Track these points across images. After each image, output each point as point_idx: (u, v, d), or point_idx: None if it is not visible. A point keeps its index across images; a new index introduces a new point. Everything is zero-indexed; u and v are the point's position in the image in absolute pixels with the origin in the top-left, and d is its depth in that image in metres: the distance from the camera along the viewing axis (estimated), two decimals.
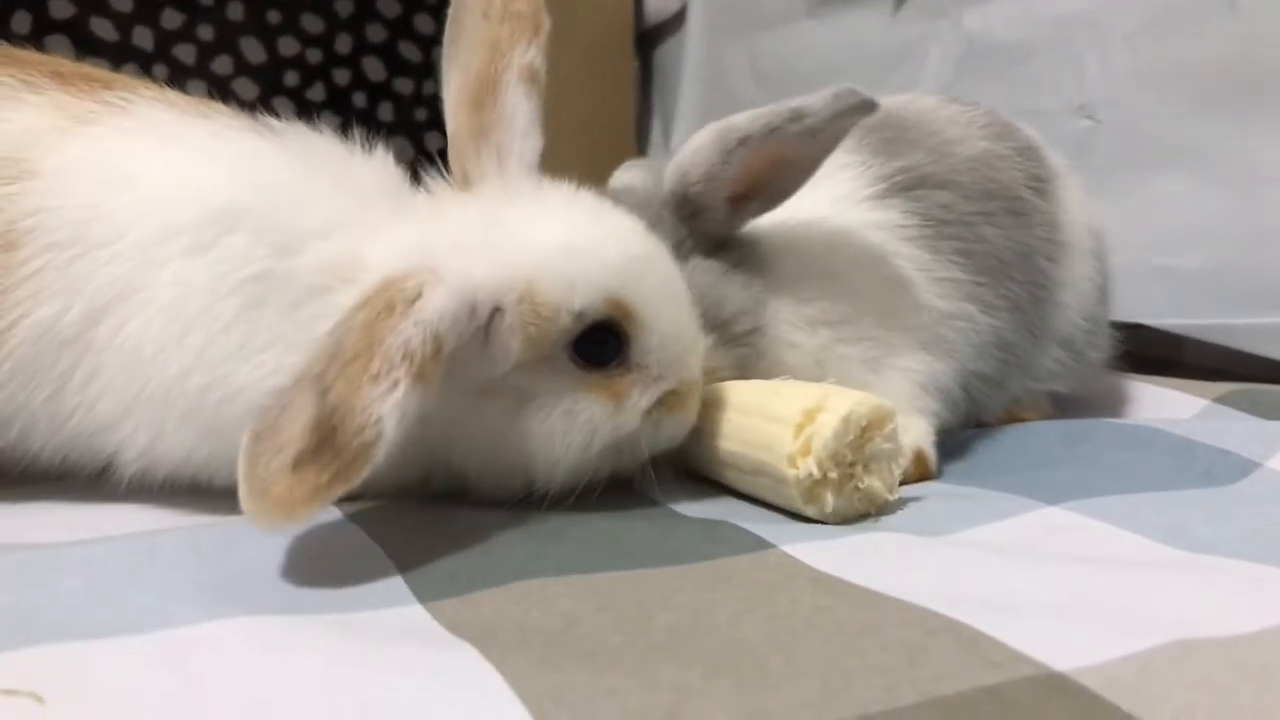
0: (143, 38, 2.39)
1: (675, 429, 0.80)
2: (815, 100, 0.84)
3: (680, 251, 0.87)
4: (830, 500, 0.74)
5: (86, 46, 2.31)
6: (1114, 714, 0.45)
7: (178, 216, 0.73)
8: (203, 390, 0.72)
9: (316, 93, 2.52)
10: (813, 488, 0.75)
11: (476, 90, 0.82)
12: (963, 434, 0.98)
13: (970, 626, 0.53)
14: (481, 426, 0.75)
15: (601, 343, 0.76)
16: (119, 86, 0.80)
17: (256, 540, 0.68)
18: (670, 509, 0.78)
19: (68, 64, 0.84)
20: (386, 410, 0.62)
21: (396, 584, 0.61)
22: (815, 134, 0.85)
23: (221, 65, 2.45)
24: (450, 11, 0.85)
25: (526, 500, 0.77)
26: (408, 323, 0.65)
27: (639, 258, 0.77)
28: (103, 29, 2.35)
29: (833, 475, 0.74)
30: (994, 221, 0.99)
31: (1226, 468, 0.85)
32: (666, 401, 0.78)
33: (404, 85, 2.60)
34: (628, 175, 1.02)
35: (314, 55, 2.54)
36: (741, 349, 0.88)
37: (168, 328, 0.71)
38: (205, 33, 2.44)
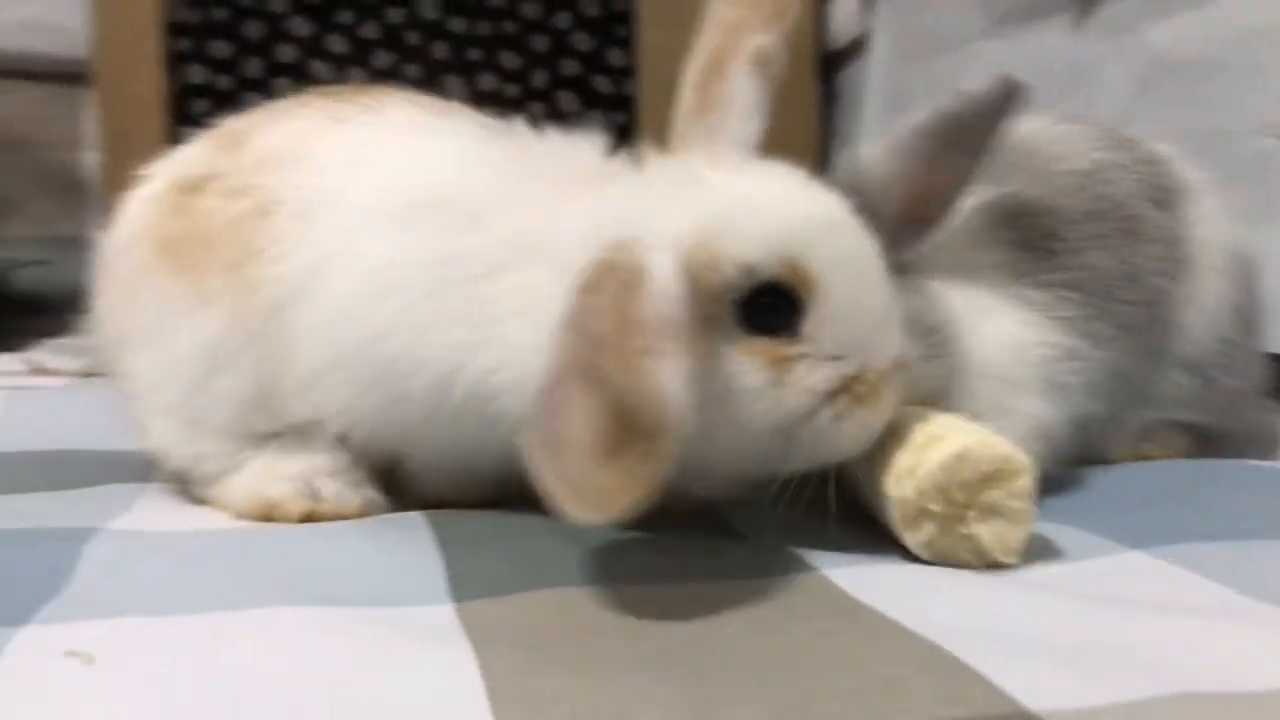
0: (356, 77, 2.58)
1: (859, 428, 0.71)
2: (971, 87, 0.83)
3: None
4: (928, 534, 0.70)
5: (307, 87, 2.52)
6: None
7: (390, 193, 0.79)
8: (392, 358, 0.76)
9: None
10: (915, 516, 0.70)
11: (706, 70, 0.80)
12: (1082, 471, 0.95)
13: (963, 663, 0.52)
14: None
15: (773, 307, 0.70)
16: (376, 95, 0.88)
17: (339, 538, 0.74)
18: (735, 528, 0.79)
19: (344, 87, 0.94)
20: (672, 381, 0.61)
21: (439, 583, 0.65)
22: (981, 117, 0.83)
23: None
24: None
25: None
26: (652, 295, 0.64)
27: (825, 221, 0.72)
28: (322, 71, 2.55)
29: (934, 508, 0.70)
30: (1102, 244, 0.95)
31: None
32: (851, 390, 0.71)
33: (596, 118, 2.70)
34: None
35: (511, 90, 2.67)
36: (944, 360, 0.84)
37: (367, 292, 0.77)
38: (412, 71, 2.60)
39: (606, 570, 0.68)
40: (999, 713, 0.47)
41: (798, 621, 0.59)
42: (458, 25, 2.63)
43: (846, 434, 0.71)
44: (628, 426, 0.59)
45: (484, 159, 0.81)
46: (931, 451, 0.70)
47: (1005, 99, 0.83)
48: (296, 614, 0.59)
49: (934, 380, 0.82)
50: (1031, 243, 0.93)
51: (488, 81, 2.65)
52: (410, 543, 0.74)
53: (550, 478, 0.59)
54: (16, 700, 0.48)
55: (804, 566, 0.69)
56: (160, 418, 0.84)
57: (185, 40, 2.42)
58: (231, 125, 0.90)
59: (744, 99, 0.79)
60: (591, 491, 0.58)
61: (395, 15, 2.59)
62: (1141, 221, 0.97)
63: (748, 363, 0.69)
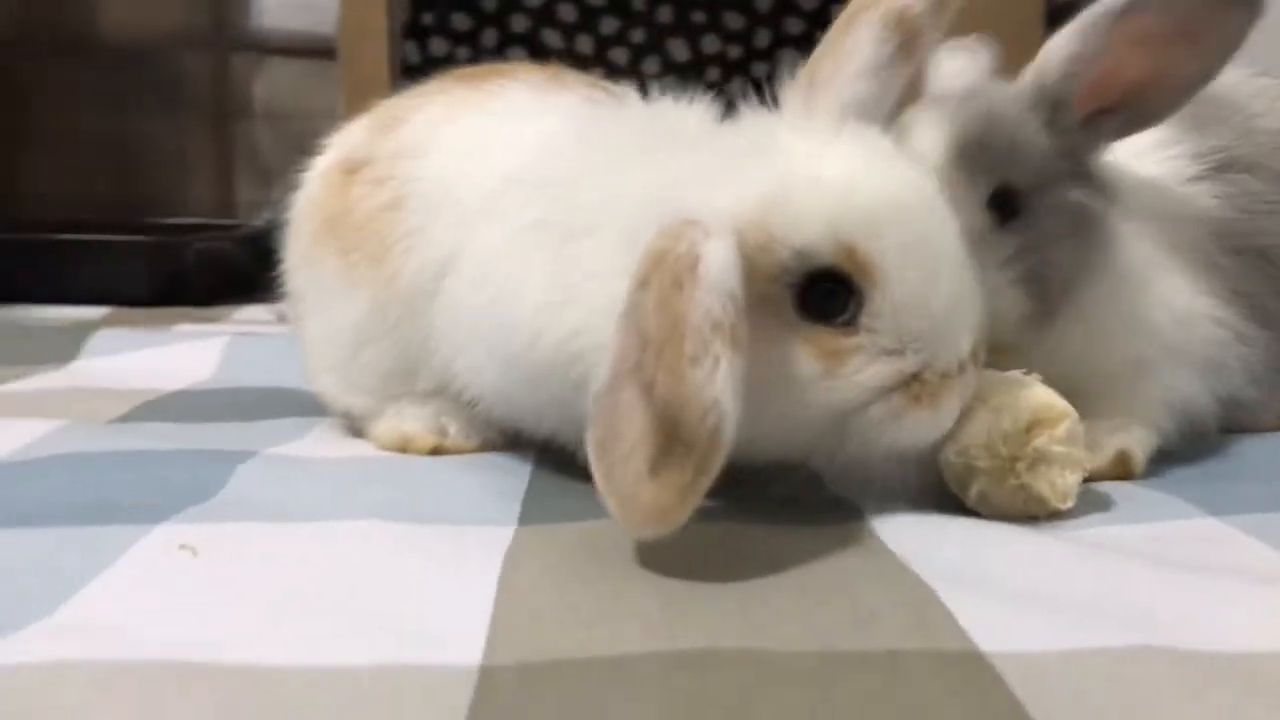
0: (584, 44, 2.69)
1: (920, 428, 0.69)
2: None
3: (1040, 172, 0.80)
4: (980, 489, 0.71)
5: (539, 54, 2.65)
6: (1001, 698, 0.46)
7: (491, 181, 0.83)
8: (497, 326, 0.78)
9: (736, 88, 2.69)
10: (963, 475, 0.71)
11: (842, 20, 0.75)
12: (1223, 440, 0.91)
13: (942, 603, 0.55)
14: None
15: (831, 293, 0.67)
16: (501, 77, 0.92)
17: (448, 469, 0.83)
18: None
19: (489, 67, 0.99)
20: (719, 390, 0.59)
21: (514, 510, 0.73)
22: (1185, 17, 0.77)
23: (650, 65, 2.69)
24: None
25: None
26: (701, 292, 0.60)
27: (892, 204, 0.67)
28: (551, 39, 2.68)
29: (980, 464, 0.70)
30: None
31: None
32: (912, 389, 0.68)
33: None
34: (955, 64, 0.94)
35: (734, 51, 2.71)
36: (1046, 317, 0.80)
37: (477, 279, 0.81)
38: (637, 36, 2.69)
39: None
40: (949, 649, 0.50)
41: (809, 558, 0.63)
42: None
43: (903, 431, 0.68)
44: (674, 438, 0.58)
45: (581, 133, 0.83)
46: (970, 412, 0.71)
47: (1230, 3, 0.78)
48: (380, 526, 0.68)
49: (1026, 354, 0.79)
50: (1234, 200, 0.90)
51: (711, 44, 2.70)
52: (508, 476, 0.82)
53: (602, 486, 0.59)
54: (128, 578, 0.60)
55: (851, 517, 0.71)
56: (323, 373, 0.96)
57: (429, 14, 2.61)
58: (389, 107, 0.96)
59: (863, 58, 0.73)
60: (640, 505, 0.58)
61: None
62: None
63: (801, 351, 0.66)
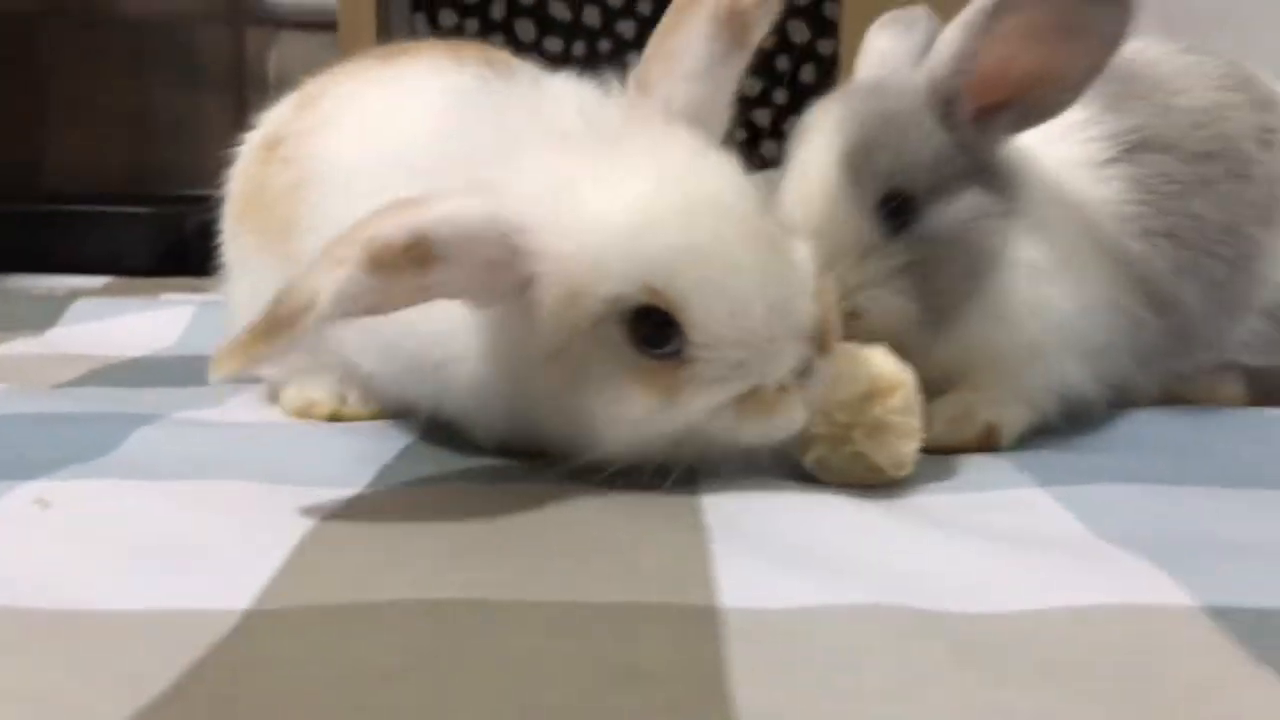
0: (591, 15, 2.71)
1: (760, 433, 0.71)
2: None
3: (936, 170, 0.82)
4: (818, 454, 0.73)
5: (546, 26, 2.68)
6: (709, 652, 0.48)
7: (378, 160, 0.83)
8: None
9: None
10: (804, 439, 0.73)
11: (665, 23, 0.76)
12: (1107, 415, 0.92)
13: (711, 561, 0.59)
14: (547, 391, 0.72)
15: (661, 326, 0.68)
16: (412, 54, 0.94)
17: (327, 434, 0.89)
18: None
19: (402, 46, 0.99)
20: (323, 285, 0.63)
21: (369, 473, 0.77)
22: (1061, 12, 0.78)
23: None
24: None
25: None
26: (386, 219, 0.65)
27: (691, 248, 0.67)
28: (559, 10, 2.70)
29: (819, 430, 0.72)
30: (1210, 189, 0.93)
31: None
32: (748, 404, 0.69)
33: (827, 47, 2.69)
34: (888, 40, 0.97)
35: None
36: (941, 320, 0.83)
37: None
38: (645, 8, 2.70)
39: (487, 474, 0.77)
40: (689, 603, 0.53)
41: (613, 520, 0.66)
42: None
43: (749, 437, 0.70)
44: (272, 310, 0.64)
45: (461, 118, 0.83)
46: None
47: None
48: (233, 486, 0.73)
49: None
50: (1146, 182, 0.91)
51: None
52: (383, 443, 0.85)
53: None
54: None
55: (683, 483, 0.72)
56: None
57: None
58: (313, 84, 0.99)
59: (693, 59, 0.74)
60: (221, 347, 0.65)
61: None
62: (1250, 164, 0.94)
63: (636, 388, 0.68)
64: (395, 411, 0.93)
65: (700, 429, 0.70)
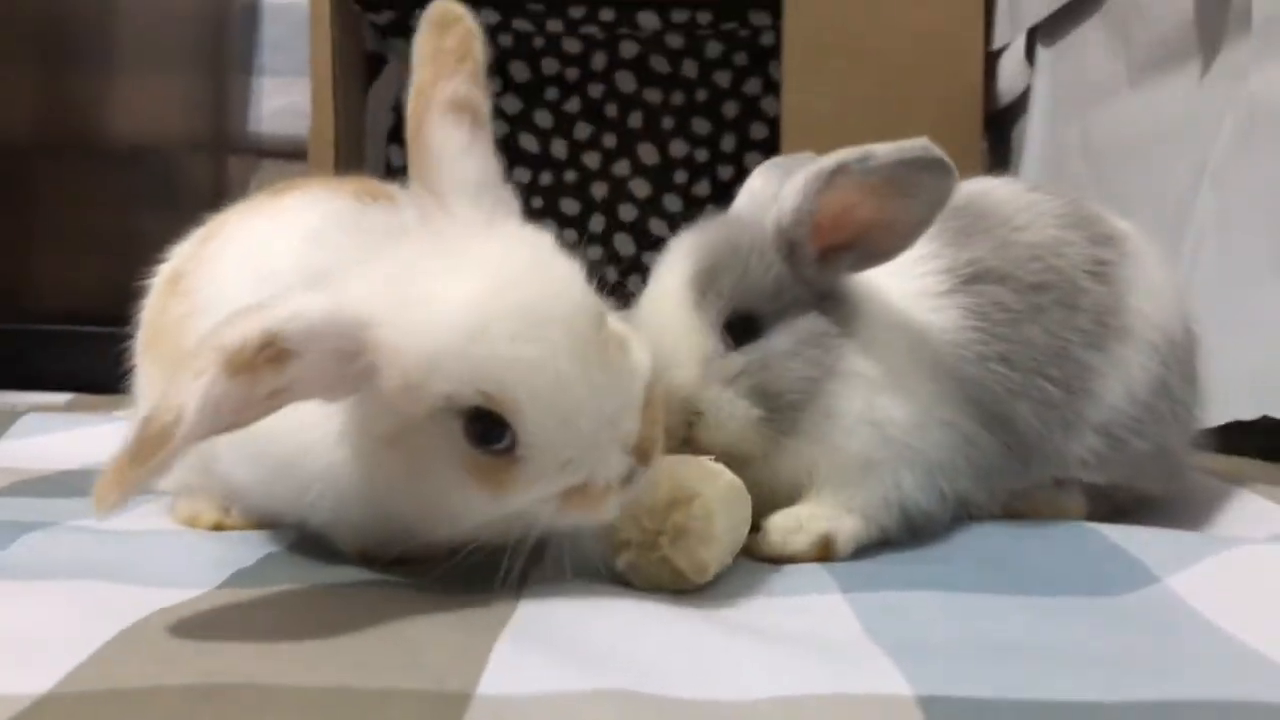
0: (558, 149, 2.84)
1: (581, 521, 0.75)
2: (884, 147, 0.88)
3: (778, 297, 0.91)
4: (629, 559, 0.78)
5: (515, 159, 2.81)
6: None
7: (253, 280, 0.88)
8: (247, 437, 0.78)
9: (702, 188, 2.82)
10: (618, 545, 0.79)
11: (411, 134, 0.82)
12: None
13: (490, 653, 0.64)
14: (389, 475, 0.76)
15: (494, 424, 0.72)
16: (299, 186, 1.03)
17: (194, 540, 0.94)
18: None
19: (290, 181, 1.09)
20: (188, 397, 0.65)
21: (221, 575, 0.82)
22: (880, 178, 0.87)
23: (621, 168, 2.83)
24: None
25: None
26: (240, 323, 0.68)
27: (521, 360, 0.71)
28: (528, 143, 2.84)
29: (629, 535, 0.78)
30: (1042, 317, 0.99)
31: (1125, 579, 0.79)
32: (572, 499, 0.74)
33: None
34: (761, 181, 1.08)
35: (701, 154, 2.83)
36: (779, 426, 0.90)
37: None
38: (609, 140, 2.83)
39: (329, 578, 0.82)
40: (445, 690, 0.58)
41: (426, 613, 0.72)
42: (653, 96, 2.83)
43: (570, 523, 0.75)
44: (140, 430, 0.66)
45: (329, 237, 0.91)
46: None
47: (924, 170, 0.87)
48: (79, 585, 0.78)
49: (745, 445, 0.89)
50: (981, 310, 0.98)
51: (679, 147, 2.83)
52: (247, 549, 0.91)
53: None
54: None
55: (509, 594, 0.76)
56: None
57: None
58: (214, 220, 1.06)
59: (453, 146, 0.80)
60: (99, 481, 0.67)
61: (594, 90, 2.83)
62: (1080, 294, 1.01)
63: (468, 478, 0.73)
64: (270, 523, 0.98)
65: (526, 513, 0.74)
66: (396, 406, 0.73)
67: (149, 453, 0.66)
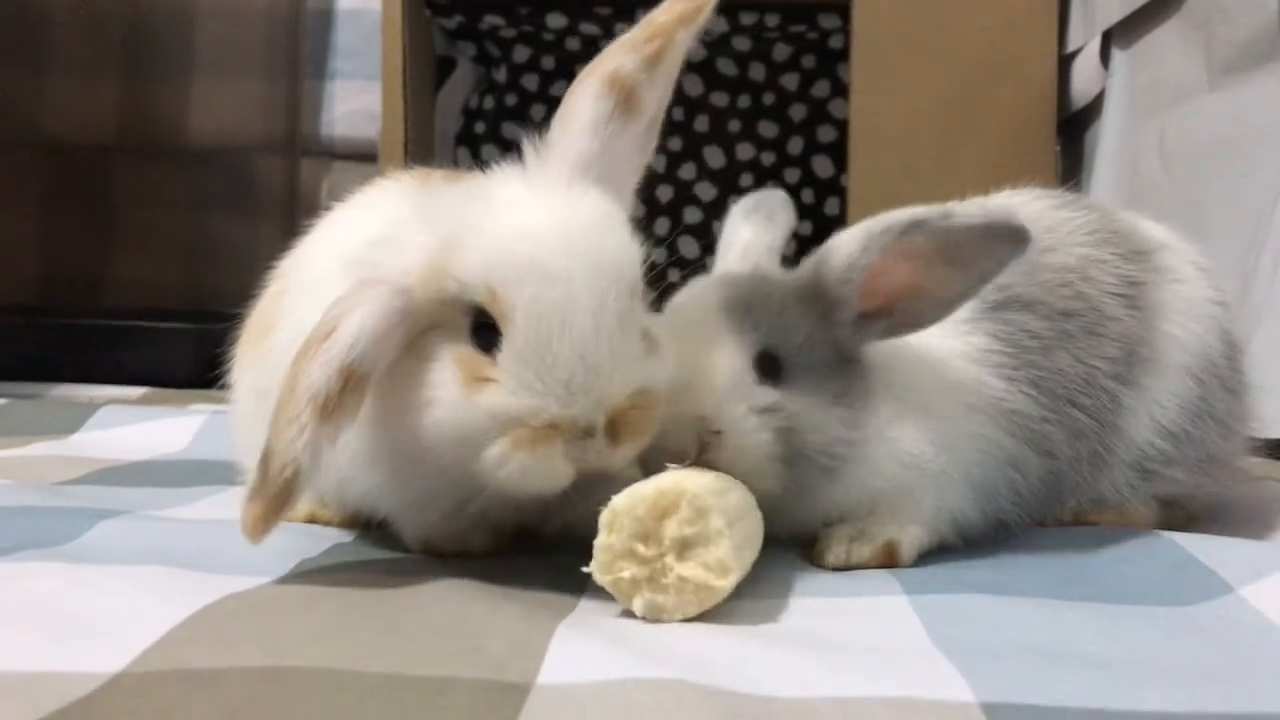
0: None
1: (521, 471, 0.73)
2: (969, 209, 0.86)
3: (806, 350, 0.88)
4: (647, 600, 0.71)
5: None
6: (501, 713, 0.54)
7: (330, 257, 0.89)
8: None
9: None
10: (625, 590, 0.72)
11: (568, 94, 0.83)
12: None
13: (549, 643, 0.64)
14: (393, 402, 0.77)
15: (491, 328, 0.74)
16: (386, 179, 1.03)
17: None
18: None
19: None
20: (299, 451, 0.72)
21: (287, 565, 0.84)
22: (959, 245, 0.84)
23: (686, 171, 2.83)
24: None
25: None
26: (317, 364, 0.72)
27: (537, 263, 0.72)
28: None
29: (634, 574, 0.71)
30: (1071, 343, 0.96)
31: (1197, 588, 0.77)
32: (519, 436, 0.72)
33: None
34: (748, 231, 1.06)
35: (768, 158, 2.82)
36: (812, 473, 0.87)
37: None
38: (674, 144, 2.83)
39: (394, 567, 0.84)
40: (507, 679, 0.59)
41: (492, 603, 0.73)
42: (719, 99, 2.83)
43: (506, 478, 0.73)
44: (263, 477, 0.73)
45: (394, 212, 0.88)
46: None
47: (1001, 239, 0.84)
48: (149, 569, 0.80)
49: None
50: (1009, 337, 0.95)
51: (745, 150, 2.83)
52: (318, 542, 0.92)
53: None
54: None
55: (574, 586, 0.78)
56: (239, 449, 1.07)
57: (480, 123, 2.82)
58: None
59: (584, 118, 0.81)
60: (241, 518, 0.74)
61: None
62: (1105, 322, 0.97)
63: (451, 369, 0.75)
64: (364, 518, 0.97)
65: (480, 457, 0.73)
66: (419, 299, 0.75)
67: (280, 498, 0.73)
